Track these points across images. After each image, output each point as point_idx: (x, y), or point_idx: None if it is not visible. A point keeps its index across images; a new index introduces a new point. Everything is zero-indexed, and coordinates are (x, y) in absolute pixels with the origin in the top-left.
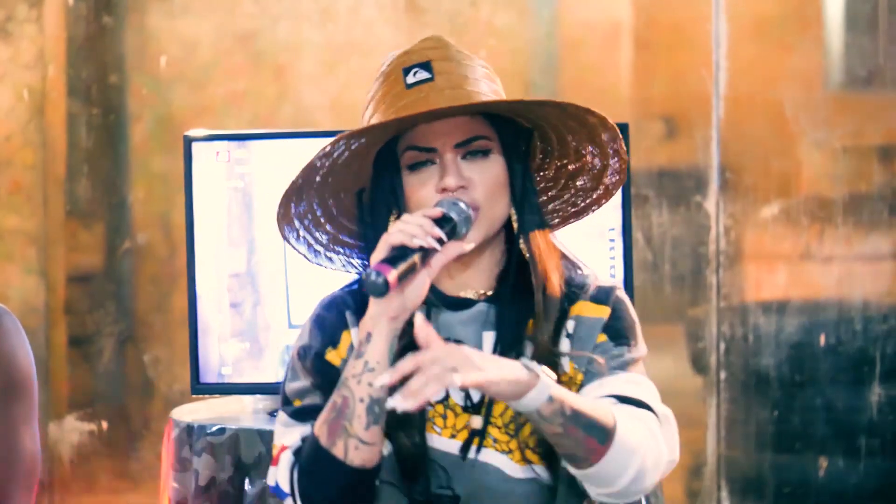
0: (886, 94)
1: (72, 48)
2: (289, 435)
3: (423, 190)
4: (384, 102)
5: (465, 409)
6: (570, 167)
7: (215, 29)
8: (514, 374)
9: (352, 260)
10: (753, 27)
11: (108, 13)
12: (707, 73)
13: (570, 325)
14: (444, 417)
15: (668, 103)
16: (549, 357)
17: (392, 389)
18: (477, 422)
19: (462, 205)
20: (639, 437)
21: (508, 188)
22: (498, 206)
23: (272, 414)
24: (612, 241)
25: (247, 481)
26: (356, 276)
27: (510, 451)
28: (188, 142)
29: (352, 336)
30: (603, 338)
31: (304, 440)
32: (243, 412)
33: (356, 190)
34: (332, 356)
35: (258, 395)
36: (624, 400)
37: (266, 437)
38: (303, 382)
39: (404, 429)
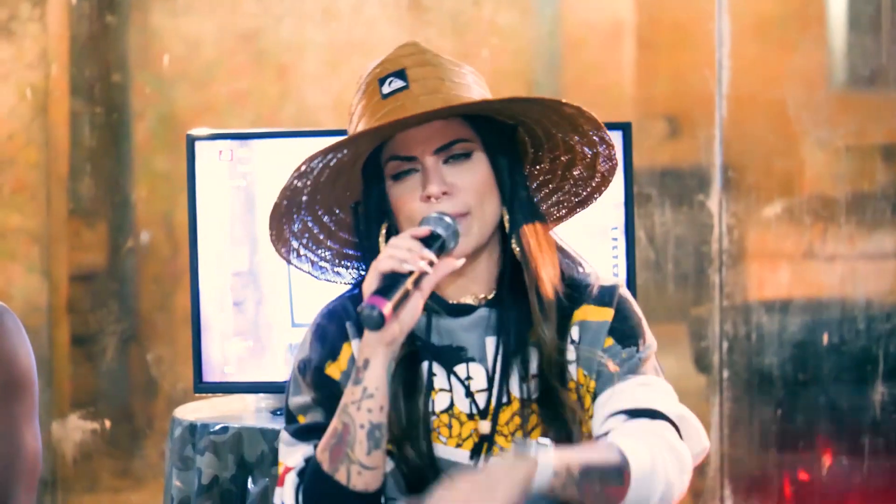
0: (889, 93)
1: (75, 47)
2: (292, 455)
3: (409, 199)
4: (364, 115)
5: (471, 416)
6: (562, 158)
7: (218, 28)
8: (515, 480)
9: (362, 272)
10: (756, 26)
11: (111, 12)
12: (710, 72)
13: (574, 332)
14: (450, 427)
15: (671, 102)
16: (555, 363)
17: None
18: (485, 426)
19: (448, 219)
20: (655, 456)
21: (497, 187)
22: (488, 206)
23: (275, 412)
24: (615, 240)
25: (249, 480)
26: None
27: None
28: (191, 141)
29: (352, 348)
30: (610, 341)
31: (307, 461)
32: (246, 411)
33: (351, 204)
34: (332, 370)
35: (261, 394)
36: (635, 413)
37: (269, 435)
38: (304, 398)
39: (410, 440)
